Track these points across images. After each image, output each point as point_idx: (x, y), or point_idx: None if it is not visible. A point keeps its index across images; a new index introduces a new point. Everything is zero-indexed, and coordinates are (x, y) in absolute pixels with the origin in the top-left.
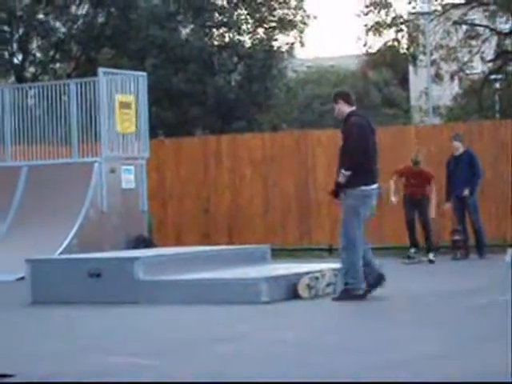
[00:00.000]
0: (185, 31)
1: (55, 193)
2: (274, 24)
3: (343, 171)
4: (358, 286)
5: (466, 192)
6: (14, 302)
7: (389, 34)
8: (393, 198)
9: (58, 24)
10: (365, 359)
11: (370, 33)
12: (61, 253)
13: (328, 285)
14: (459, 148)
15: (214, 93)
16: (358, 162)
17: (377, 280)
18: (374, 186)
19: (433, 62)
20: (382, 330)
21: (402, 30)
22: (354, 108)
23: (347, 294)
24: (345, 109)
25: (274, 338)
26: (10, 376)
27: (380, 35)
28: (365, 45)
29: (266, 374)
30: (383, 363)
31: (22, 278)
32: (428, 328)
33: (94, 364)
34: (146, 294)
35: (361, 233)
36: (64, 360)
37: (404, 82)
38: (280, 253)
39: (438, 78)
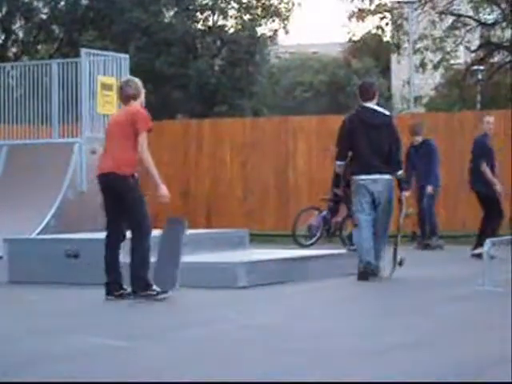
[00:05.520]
0: (168, 14)
1: (35, 173)
2: (258, 10)
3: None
4: None
5: (430, 189)
6: None
7: (372, 22)
8: None
9: (41, 4)
10: (336, 345)
11: (354, 19)
12: (39, 233)
13: None
14: (418, 138)
15: (197, 77)
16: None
17: None
18: (363, 176)
19: (416, 51)
20: (361, 316)
21: (385, 18)
22: (362, 103)
23: None
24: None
25: (247, 323)
26: None
27: (363, 21)
28: (348, 32)
29: (234, 358)
30: (353, 350)
31: (1, 258)
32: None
33: (70, 345)
34: (124, 276)
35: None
36: (40, 341)
37: (386, 70)
38: (258, 238)
39: (422, 67)
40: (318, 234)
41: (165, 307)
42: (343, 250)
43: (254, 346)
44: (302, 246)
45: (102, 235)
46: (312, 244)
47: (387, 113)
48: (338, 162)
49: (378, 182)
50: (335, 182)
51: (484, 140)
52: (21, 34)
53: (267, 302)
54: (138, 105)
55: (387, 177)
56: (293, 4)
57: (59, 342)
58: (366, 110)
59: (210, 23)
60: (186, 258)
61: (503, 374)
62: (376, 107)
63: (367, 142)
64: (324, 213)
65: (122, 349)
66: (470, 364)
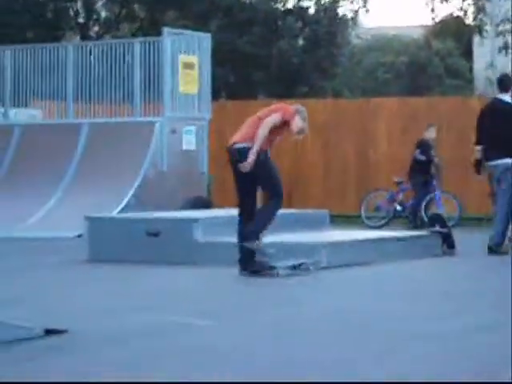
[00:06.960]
0: None
1: (116, 151)
2: None
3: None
4: None
5: None
6: (71, 258)
7: (454, 4)
8: None
9: None
10: (406, 328)
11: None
12: (120, 211)
13: None
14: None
15: (278, 57)
16: None
17: None
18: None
19: (499, 34)
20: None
21: None
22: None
23: None
24: None
25: (329, 304)
26: (62, 332)
27: (447, 1)
28: (432, 10)
29: (320, 340)
30: (416, 333)
31: (81, 236)
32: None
33: (148, 322)
34: (204, 255)
35: None
36: (117, 317)
37: (467, 52)
38: (338, 219)
39: (505, 49)
40: (389, 216)
41: (246, 285)
42: (425, 232)
43: (332, 327)
44: (369, 228)
45: (182, 214)
46: (381, 226)
47: None
48: (476, 147)
49: (496, 167)
50: (477, 168)
51: None
52: (103, 14)
53: (348, 284)
54: None
55: (506, 160)
56: None
57: (137, 319)
58: (496, 101)
59: (290, 5)
60: (267, 237)
61: (504, 374)
62: (507, 99)
63: (493, 130)
64: (393, 194)
65: (205, 327)
66: None
